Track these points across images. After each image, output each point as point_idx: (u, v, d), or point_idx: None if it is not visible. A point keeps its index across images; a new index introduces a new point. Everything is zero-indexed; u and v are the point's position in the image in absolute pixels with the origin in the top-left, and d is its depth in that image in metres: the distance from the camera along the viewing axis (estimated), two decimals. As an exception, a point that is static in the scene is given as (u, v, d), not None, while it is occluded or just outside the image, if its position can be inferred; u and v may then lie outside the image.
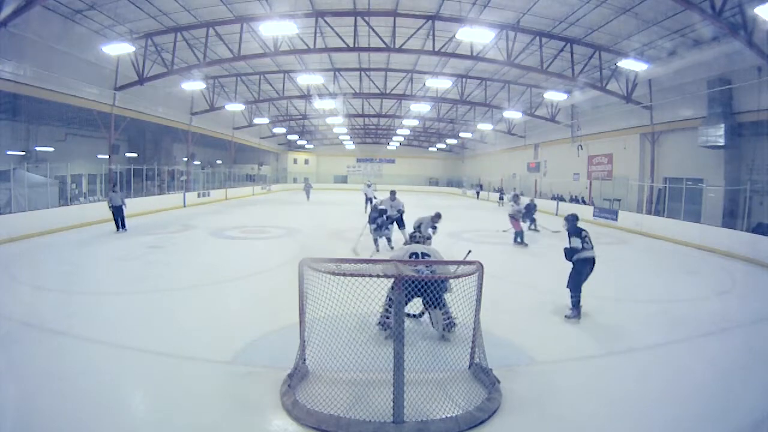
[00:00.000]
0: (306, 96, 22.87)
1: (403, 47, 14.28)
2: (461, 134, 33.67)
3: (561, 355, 4.53)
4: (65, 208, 13.47)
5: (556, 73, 15.41)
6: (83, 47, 13.72)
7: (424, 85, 19.81)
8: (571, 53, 14.61)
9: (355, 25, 13.63)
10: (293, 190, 37.22)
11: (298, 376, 3.67)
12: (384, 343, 4.32)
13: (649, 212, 15.79)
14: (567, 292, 5.53)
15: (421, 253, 5.01)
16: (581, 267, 5.44)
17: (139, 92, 16.85)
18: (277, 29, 12.43)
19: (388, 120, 33.17)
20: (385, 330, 4.71)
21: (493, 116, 26.99)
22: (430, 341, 4.58)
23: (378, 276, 3.73)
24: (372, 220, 9.88)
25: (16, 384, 3.64)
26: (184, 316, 5.50)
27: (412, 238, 5.71)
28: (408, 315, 4.90)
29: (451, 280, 4.04)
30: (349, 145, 42.85)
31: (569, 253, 5.52)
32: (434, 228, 9.21)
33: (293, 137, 38.93)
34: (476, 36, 12.46)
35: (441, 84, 18.90)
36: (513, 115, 22.90)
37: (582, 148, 22.05)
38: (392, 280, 4.41)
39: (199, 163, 28.33)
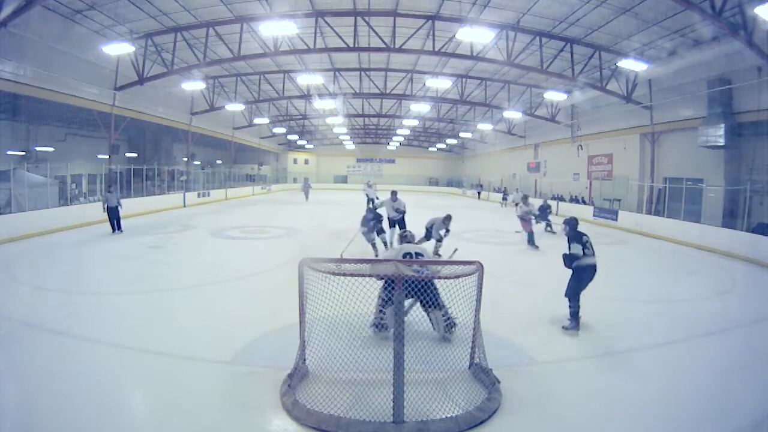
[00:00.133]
0: (306, 96, 22.87)
1: (403, 47, 14.28)
2: (461, 134, 33.67)
3: (561, 355, 4.53)
4: (65, 208, 13.47)
5: (556, 73, 15.42)
6: (83, 47, 13.72)
7: (424, 85, 19.82)
8: (571, 53, 14.61)
9: (355, 25, 13.63)
10: (293, 190, 37.21)
11: (298, 376, 3.67)
12: (384, 343, 4.32)
13: (649, 212, 15.79)
14: (565, 301, 5.22)
15: (415, 252, 5.00)
16: (581, 275, 5.11)
17: (139, 92, 16.85)
18: (277, 29, 12.42)
19: (388, 120, 33.17)
20: (381, 331, 4.69)
21: (493, 116, 26.99)
22: (430, 341, 4.57)
23: (378, 276, 3.74)
24: (365, 222, 9.31)
25: (16, 384, 3.64)
26: (184, 316, 5.50)
27: (403, 238, 5.67)
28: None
29: (446, 281, 4.02)
30: (349, 145, 42.85)
31: (569, 260, 5.14)
32: (447, 230, 9.15)
33: (293, 137, 38.94)
34: (476, 36, 12.46)
35: (441, 84, 18.90)
36: (513, 115, 22.90)
37: (582, 148, 22.05)
38: (382, 281, 4.44)
39: (199, 163, 28.33)
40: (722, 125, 12.82)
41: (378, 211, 9.87)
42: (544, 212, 13.46)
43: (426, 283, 4.30)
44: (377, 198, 16.06)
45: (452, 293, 3.70)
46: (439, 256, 8.90)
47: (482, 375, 3.77)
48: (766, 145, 12.30)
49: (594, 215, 17.68)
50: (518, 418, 3.33)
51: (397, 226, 10.00)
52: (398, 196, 10.44)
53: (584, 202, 20.82)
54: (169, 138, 24.33)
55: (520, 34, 14.18)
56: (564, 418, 3.36)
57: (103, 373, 3.86)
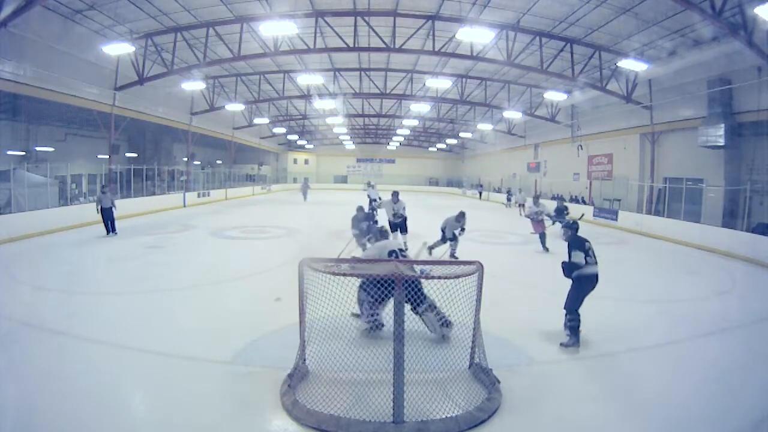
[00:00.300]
0: (306, 96, 22.87)
1: (403, 47, 14.28)
2: (461, 134, 33.67)
3: (561, 355, 4.53)
4: (65, 208, 13.47)
5: (556, 73, 15.41)
6: (83, 47, 13.72)
7: (424, 85, 19.82)
8: (571, 53, 14.61)
9: (355, 25, 13.63)
10: (293, 190, 37.20)
11: (298, 376, 3.67)
12: (384, 343, 4.32)
13: (649, 212, 15.78)
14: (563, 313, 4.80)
15: (399, 249, 4.97)
16: (582, 286, 4.68)
17: (139, 92, 16.84)
18: (277, 29, 12.43)
19: (388, 120, 33.16)
20: (377, 330, 4.67)
21: (493, 116, 26.99)
22: (430, 341, 4.57)
23: (379, 276, 3.74)
24: (355, 224, 8.53)
25: (16, 384, 3.64)
26: (184, 316, 5.50)
27: (382, 234, 5.54)
28: (356, 314, 4.85)
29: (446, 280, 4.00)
30: (349, 145, 42.84)
31: (569, 269, 4.70)
32: (462, 229, 8.88)
33: (293, 137, 38.93)
34: (476, 36, 12.46)
35: (441, 84, 18.90)
36: (513, 115, 22.90)
37: (582, 148, 22.05)
38: (359, 281, 4.43)
39: (199, 163, 28.32)
40: (722, 125, 12.82)
41: (375, 212, 9.57)
42: (560, 214, 12.56)
43: (412, 283, 4.28)
44: (379, 198, 15.55)
45: (452, 293, 3.69)
46: (456, 258, 8.46)
47: (482, 375, 3.77)
48: (766, 145, 12.30)
49: (594, 215, 17.67)
50: (518, 418, 3.33)
51: (398, 231, 9.49)
52: (399, 197, 9.89)
53: (584, 202, 20.81)
54: (169, 138, 24.33)
55: (520, 34, 14.17)
56: (564, 418, 3.36)
57: (103, 373, 3.86)
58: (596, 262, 4.72)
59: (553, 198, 22.54)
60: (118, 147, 18.09)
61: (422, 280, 4.43)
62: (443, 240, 8.92)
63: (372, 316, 4.64)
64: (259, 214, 18.87)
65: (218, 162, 32.78)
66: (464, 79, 20.46)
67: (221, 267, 8.28)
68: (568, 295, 4.77)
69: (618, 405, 3.61)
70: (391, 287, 3.51)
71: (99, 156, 19.56)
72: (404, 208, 9.71)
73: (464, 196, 36.43)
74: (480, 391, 3.59)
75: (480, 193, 33.43)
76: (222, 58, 16.46)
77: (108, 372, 3.90)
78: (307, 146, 43.40)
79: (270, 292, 6.42)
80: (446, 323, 4.60)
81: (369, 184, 19.67)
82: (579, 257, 4.63)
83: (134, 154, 23.66)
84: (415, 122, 30.61)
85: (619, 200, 18.46)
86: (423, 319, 4.64)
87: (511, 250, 11.14)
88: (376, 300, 4.47)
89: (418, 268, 4.41)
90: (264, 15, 13.07)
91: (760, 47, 10.36)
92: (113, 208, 11.51)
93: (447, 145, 40.46)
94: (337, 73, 20.02)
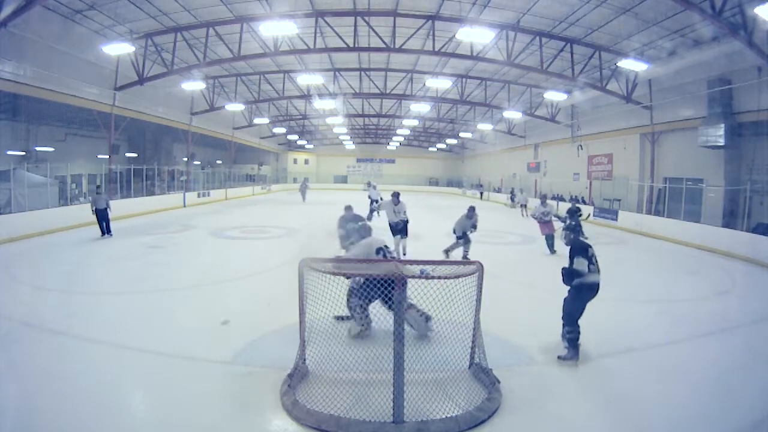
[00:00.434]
0: (306, 96, 22.87)
1: (403, 47, 14.28)
2: (461, 134, 33.66)
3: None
4: (65, 208, 13.47)
5: (556, 73, 15.41)
6: (83, 47, 13.72)
7: (424, 85, 19.81)
8: (571, 53, 14.61)
9: (355, 25, 13.63)
10: (293, 190, 37.17)
11: (298, 376, 3.67)
12: (384, 343, 4.31)
13: (649, 212, 15.78)
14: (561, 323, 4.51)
15: (385, 246, 4.95)
16: (583, 295, 4.30)
17: (139, 92, 16.84)
18: (277, 29, 12.43)
19: (388, 120, 33.16)
20: (368, 330, 4.65)
21: (493, 116, 26.98)
22: (430, 341, 4.57)
23: (379, 277, 3.74)
24: (342, 224, 7.49)
25: (17, 384, 3.64)
26: (184, 316, 5.50)
27: (365, 231, 5.38)
28: (339, 317, 4.73)
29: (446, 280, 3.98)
30: (349, 145, 42.84)
31: (570, 276, 4.29)
32: (474, 226, 8.76)
33: (293, 137, 38.92)
34: (476, 36, 12.46)
35: (441, 84, 18.89)
36: (513, 115, 22.89)
37: (582, 148, 22.05)
38: (349, 283, 4.38)
39: (199, 163, 28.33)
40: (722, 125, 12.81)
41: (377, 213, 9.18)
42: (573, 216, 12.57)
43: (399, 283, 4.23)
44: (381, 199, 15.23)
45: (452, 293, 3.69)
46: (468, 259, 8.04)
47: (482, 375, 3.77)
48: (766, 145, 12.29)
49: (594, 215, 17.67)
50: (518, 418, 3.33)
51: (400, 235, 9.00)
52: (400, 198, 9.20)
53: (584, 202, 20.79)
54: (169, 138, 24.33)
55: (520, 34, 14.17)
56: (564, 418, 3.36)
57: (103, 373, 3.86)
58: (599, 270, 4.36)
59: (553, 198, 22.53)
60: (118, 147, 18.10)
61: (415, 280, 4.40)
62: (457, 240, 8.78)
63: (365, 318, 4.62)
64: (259, 214, 18.87)
65: (218, 162, 32.79)
66: (464, 79, 20.46)
67: (221, 267, 8.28)
68: (566, 304, 4.43)
69: (618, 405, 3.60)
70: (383, 287, 3.51)
71: (99, 156, 19.57)
72: (405, 212, 9.10)
73: (464, 196, 36.42)
74: (480, 391, 3.59)
75: (481, 194, 33.40)
76: (222, 58, 16.46)
77: (108, 372, 3.90)
78: (307, 146, 43.40)
79: (270, 292, 6.42)
80: (427, 317, 4.56)
81: (369, 184, 19.18)
82: (582, 264, 4.22)
83: (134, 154, 23.67)
84: (415, 122, 30.60)
85: (619, 200, 18.46)
86: (406, 318, 4.59)
87: (512, 249, 11.14)
88: (367, 300, 4.45)
89: (418, 268, 4.41)
90: (264, 15, 13.07)
91: (760, 47, 10.36)
92: (108, 209, 11.22)
93: (447, 145, 40.46)
94: (337, 73, 20.01)
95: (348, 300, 4.59)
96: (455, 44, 14.57)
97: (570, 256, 4.34)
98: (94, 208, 11.11)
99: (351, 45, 14.24)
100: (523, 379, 3.93)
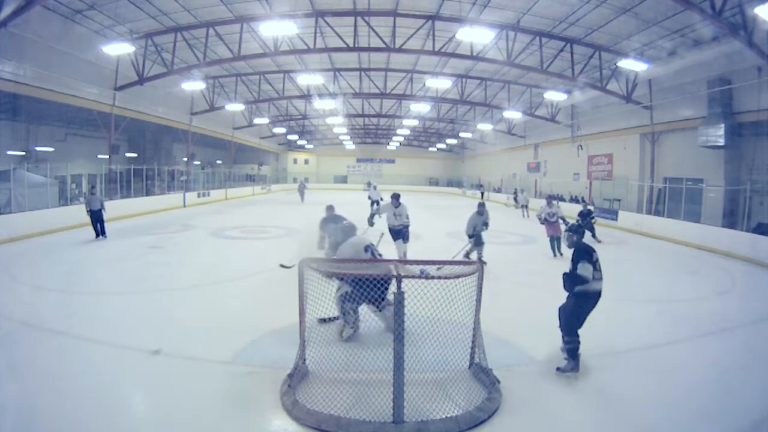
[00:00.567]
0: (306, 96, 22.86)
1: (403, 47, 14.28)
2: (461, 134, 33.65)
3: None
4: (65, 208, 13.45)
5: (556, 73, 15.41)
6: (83, 47, 13.72)
7: (424, 85, 19.81)
8: (571, 53, 14.61)
9: (355, 25, 13.63)
10: (293, 190, 37.19)
11: (298, 376, 3.67)
12: (384, 343, 4.31)
13: (649, 212, 15.78)
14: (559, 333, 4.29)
15: (371, 244, 4.90)
16: (584, 303, 4.04)
17: (139, 92, 16.84)
18: (277, 29, 12.43)
19: (388, 120, 33.16)
20: (357, 331, 4.63)
21: (493, 116, 26.98)
22: (430, 341, 4.57)
23: (379, 277, 3.74)
24: (324, 225, 6.91)
25: (17, 384, 3.64)
26: (184, 316, 5.50)
27: (350, 229, 5.18)
28: (324, 320, 4.61)
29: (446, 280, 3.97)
30: (349, 145, 42.83)
31: (572, 281, 4.00)
32: (485, 224, 8.46)
33: (293, 137, 38.92)
34: (476, 36, 12.46)
35: (441, 84, 18.89)
36: (513, 115, 22.89)
37: (582, 148, 22.04)
38: (337, 286, 4.35)
39: (199, 163, 28.33)
40: (722, 125, 12.82)
41: (378, 215, 8.55)
42: (584, 218, 11.48)
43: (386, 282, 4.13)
44: (381, 200, 15.12)
45: (452, 293, 3.69)
46: (484, 263, 7.38)
47: (482, 375, 3.77)
48: (766, 145, 12.30)
49: (594, 215, 17.65)
50: (518, 418, 3.33)
51: (401, 240, 8.42)
52: (401, 200, 8.48)
53: (584, 202, 20.77)
54: (169, 138, 24.33)
55: (520, 34, 14.17)
56: (564, 418, 3.36)
57: (103, 373, 3.86)
58: (602, 278, 4.09)
59: (553, 198, 22.45)
60: (118, 147, 18.10)
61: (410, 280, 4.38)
62: (470, 240, 8.56)
63: (357, 320, 4.61)
64: (259, 214, 18.87)
65: (218, 162, 32.79)
66: (464, 79, 20.46)
67: (221, 267, 8.28)
68: (566, 313, 4.17)
69: (618, 405, 3.61)
70: (377, 287, 3.52)
71: (99, 156, 19.57)
72: (407, 216, 8.42)
73: (464, 196, 36.41)
74: (480, 391, 3.59)
75: (482, 194, 33.34)
76: (222, 58, 16.46)
77: (108, 372, 3.90)
78: (307, 146, 43.40)
79: (270, 292, 6.42)
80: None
81: (369, 185, 19.03)
82: (587, 270, 3.91)
83: (134, 154, 23.67)
84: (415, 122, 30.60)
85: (619, 200, 18.46)
86: (384, 315, 4.56)
87: (512, 249, 11.14)
88: (357, 300, 4.42)
89: (417, 268, 4.40)
90: (264, 15, 13.07)
91: (760, 47, 10.36)
92: (102, 210, 10.85)
93: (447, 145, 40.46)
94: (337, 73, 20.01)
95: (341, 302, 4.53)
96: (455, 44, 14.57)
97: (573, 260, 4.07)
98: (88, 209, 10.78)
99: (351, 45, 14.24)
100: (523, 379, 3.93)
